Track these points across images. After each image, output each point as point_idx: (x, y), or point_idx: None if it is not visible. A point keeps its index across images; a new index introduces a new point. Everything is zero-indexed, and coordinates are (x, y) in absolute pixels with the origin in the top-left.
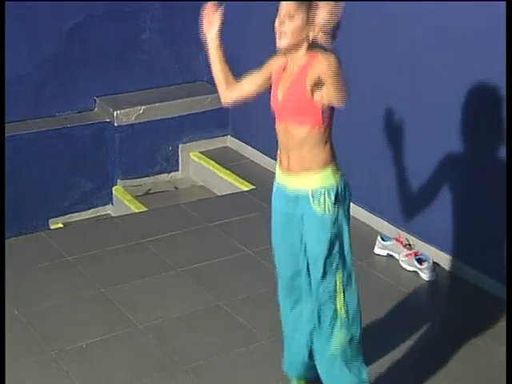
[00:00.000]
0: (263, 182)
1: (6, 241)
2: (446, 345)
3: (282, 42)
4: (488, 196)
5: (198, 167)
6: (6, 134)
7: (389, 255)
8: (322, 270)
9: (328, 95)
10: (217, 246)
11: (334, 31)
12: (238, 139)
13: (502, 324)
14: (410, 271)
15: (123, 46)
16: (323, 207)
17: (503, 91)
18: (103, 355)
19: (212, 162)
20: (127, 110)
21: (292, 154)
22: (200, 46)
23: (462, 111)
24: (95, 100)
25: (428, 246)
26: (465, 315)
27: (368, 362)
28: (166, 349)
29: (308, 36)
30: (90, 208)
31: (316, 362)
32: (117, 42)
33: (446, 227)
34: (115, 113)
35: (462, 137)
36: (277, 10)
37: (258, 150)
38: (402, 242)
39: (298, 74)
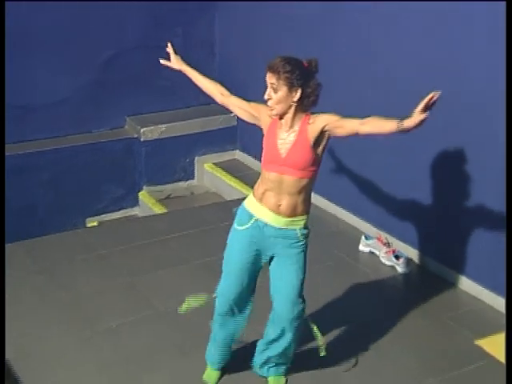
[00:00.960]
0: None
1: (50, 236)
2: (415, 326)
3: (272, 113)
4: (454, 203)
5: (211, 176)
6: (50, 148)
7: (371, 252)
8: (296, 293)
9: (346, 130)
10: (225, 243)
11: (313, 99)
12: (245, 153)
13: (464, 309)
14: (388, 265)
15: (149, 74)
16: (304, 242)
17: (475, 105)
18: (130, 334)
19: (223, 172)
20: (152, 127)
21: (284, 199)
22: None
23: (439, 126)
24: (125, 119)
25: (404, 244)
26: (431, 302)
27: (348, 340)
28: (182, 329)
29: (293, 101)
30: (120, 209)
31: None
32: (143, 71)
33: (419, 229)
34: (142, 130)
35: (432, 153)
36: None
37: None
38: (382, 241)
39: (298, 137)
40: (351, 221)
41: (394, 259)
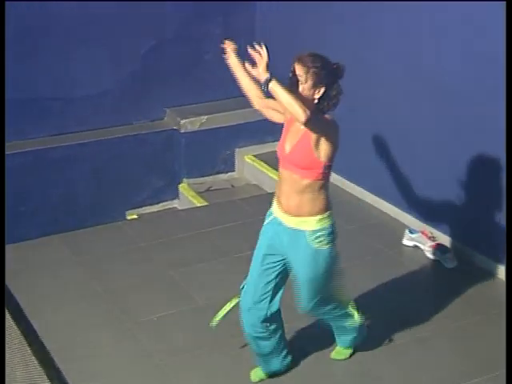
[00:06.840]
0: None
1: (90, 228)
2: (460, 321)
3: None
4: (492, 199)
5: (252, 168)
6: (91, 139)
7: (415, 246)
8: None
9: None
10: None
11: (335, 102)
12: None
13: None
14: (433, 260)
15: (189, 65)
16: (320, 243)
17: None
18: (170, 327)
19: (264, 164)
20: (192, 119)
21: (292, 199)
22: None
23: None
24: (165, 111)
25: (447, 237)
26: (476, 296)
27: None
28: (222, 323)
29: (314, 98)
30: (159, 202)
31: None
32: (184, 62)
33: (462, 222)
34: (182, 121)
35: (471, 150)
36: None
37: None
38: (426, 235)
39: (304, 133)
40: (394, 213)
41: (439, 253)
